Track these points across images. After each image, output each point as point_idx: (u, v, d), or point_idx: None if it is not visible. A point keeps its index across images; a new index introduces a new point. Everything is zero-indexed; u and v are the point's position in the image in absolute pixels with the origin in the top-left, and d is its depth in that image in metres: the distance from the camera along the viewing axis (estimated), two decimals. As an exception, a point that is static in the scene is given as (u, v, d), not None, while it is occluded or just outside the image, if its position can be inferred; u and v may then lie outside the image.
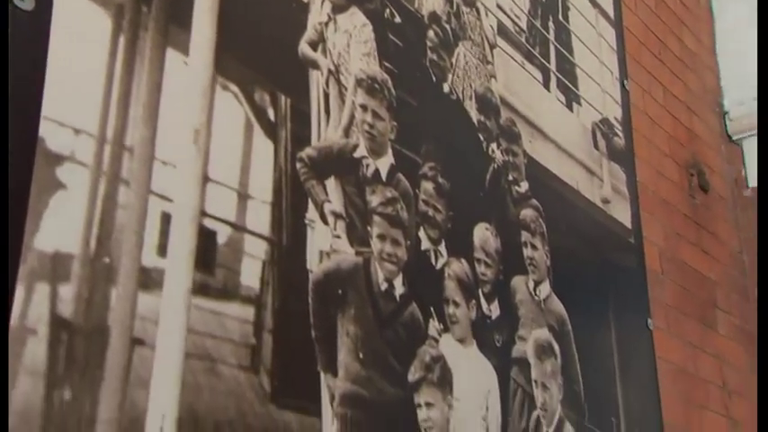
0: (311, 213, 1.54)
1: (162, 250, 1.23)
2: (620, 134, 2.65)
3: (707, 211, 3.03)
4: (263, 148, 1.48)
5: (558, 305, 2.15)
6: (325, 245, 1.55)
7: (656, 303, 2.53)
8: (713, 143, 3.25)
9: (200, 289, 1.28)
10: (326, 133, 1.61)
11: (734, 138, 3.35)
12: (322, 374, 1.45)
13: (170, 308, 1.21)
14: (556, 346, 2.09)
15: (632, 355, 2.35)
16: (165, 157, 1.29)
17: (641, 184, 2.68)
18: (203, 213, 1.32)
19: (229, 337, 1.30)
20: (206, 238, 1.31)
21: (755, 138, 3.28)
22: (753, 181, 3.27)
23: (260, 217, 1.43)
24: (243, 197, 1.42)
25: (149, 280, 1.21)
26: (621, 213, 2.53)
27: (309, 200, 1.54)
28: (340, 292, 1.55)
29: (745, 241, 3.20)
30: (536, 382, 1.99)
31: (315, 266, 1.51)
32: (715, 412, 2.63)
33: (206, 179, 1.34)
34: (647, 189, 2.70)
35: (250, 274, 1.38)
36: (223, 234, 1.36)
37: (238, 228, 1.39)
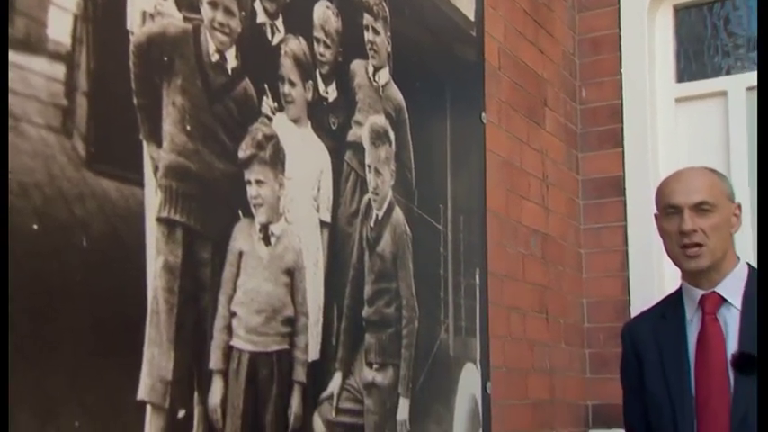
0: (132, -32, 1.38)
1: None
2: None
3: (547, 11, 3.06)
4: None
5: (396, 92, 2.14)
6: (149, 6, 1.41)
7: (490, 98, 2.58)
8: (560, -59, 3.23)
9: (-4, 38, 1.13)
10: None
11: (581, -62, 3.34)
12: (144, 143, 1.37)
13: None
14: (391, 133, 2.10)
15: (464, 146, 2.42)
16: None
17: (487, -24, 2.64)
18: (-3, -50, 1.14)
19: (35, 95, 1.17)
20: (1, -20, 1.14)
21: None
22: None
23: (70, -36, 1.26)
24: (47, -62, 1.23)
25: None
26: (465, 5, 2.50)
27: (129, -47, 1.37)
28: (166, 59, 1.44)
29: (578, 43, 3.30)
30: (369, 166, 2.01)
31: (136, 28, 1.38)
32: (533, 202, 2.81)
33: None
34: (492, -18, 2.67)
35: (59, 28, 1.23)
36: (23, -22, 1.18)
37: (43, -27, 1.22)
